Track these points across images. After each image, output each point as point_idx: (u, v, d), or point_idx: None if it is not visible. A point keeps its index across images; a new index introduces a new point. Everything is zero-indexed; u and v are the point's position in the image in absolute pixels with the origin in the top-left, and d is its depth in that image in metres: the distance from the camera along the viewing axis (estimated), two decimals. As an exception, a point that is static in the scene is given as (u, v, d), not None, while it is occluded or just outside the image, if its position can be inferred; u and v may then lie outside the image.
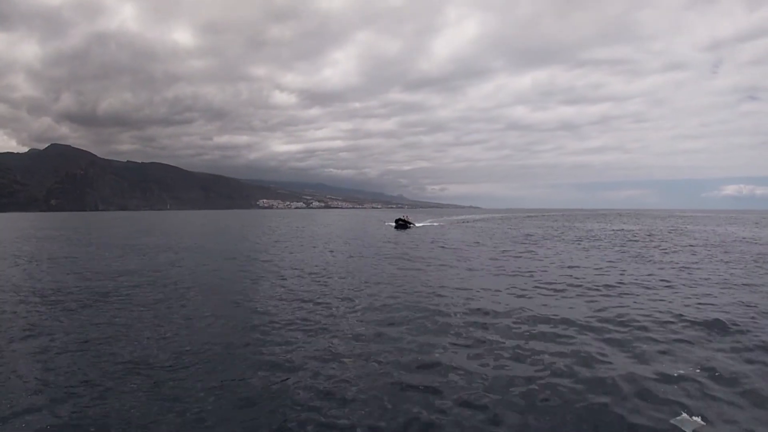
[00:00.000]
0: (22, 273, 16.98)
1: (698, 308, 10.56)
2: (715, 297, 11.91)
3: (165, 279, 14.99)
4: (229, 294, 12.61)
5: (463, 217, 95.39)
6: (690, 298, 11.81)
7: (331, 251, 24.78)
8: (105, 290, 12.99)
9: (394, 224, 54.83)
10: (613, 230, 44.56)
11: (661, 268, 17.31)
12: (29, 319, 9.87)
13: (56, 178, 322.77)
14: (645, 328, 8.89)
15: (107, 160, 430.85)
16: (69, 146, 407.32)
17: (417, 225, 56.23)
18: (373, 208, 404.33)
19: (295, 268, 17.52)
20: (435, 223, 64.43)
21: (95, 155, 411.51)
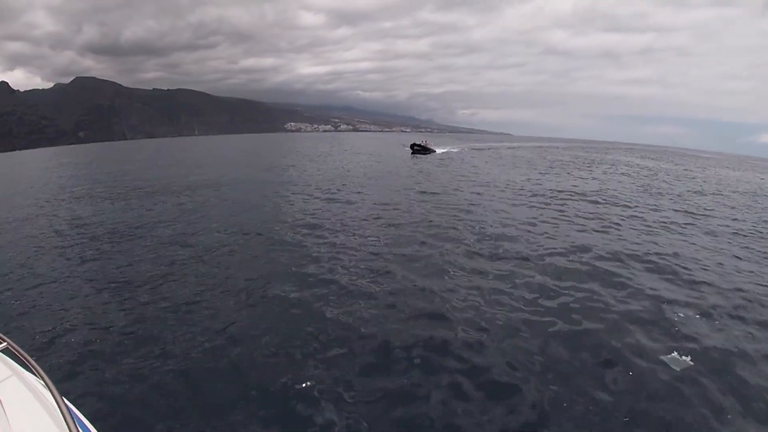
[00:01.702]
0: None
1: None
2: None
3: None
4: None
5: (489, 144, 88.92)
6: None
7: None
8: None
9: (410, 149, 50.98)
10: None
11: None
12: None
13: (83, 111, 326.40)
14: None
15: (133, 89, 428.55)
16: (94, 78, 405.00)
17: (438, 151, 52.19)
18: (402, 131, 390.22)
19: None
20: (454, 150, 60.01)
21: (121, 85, 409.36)
